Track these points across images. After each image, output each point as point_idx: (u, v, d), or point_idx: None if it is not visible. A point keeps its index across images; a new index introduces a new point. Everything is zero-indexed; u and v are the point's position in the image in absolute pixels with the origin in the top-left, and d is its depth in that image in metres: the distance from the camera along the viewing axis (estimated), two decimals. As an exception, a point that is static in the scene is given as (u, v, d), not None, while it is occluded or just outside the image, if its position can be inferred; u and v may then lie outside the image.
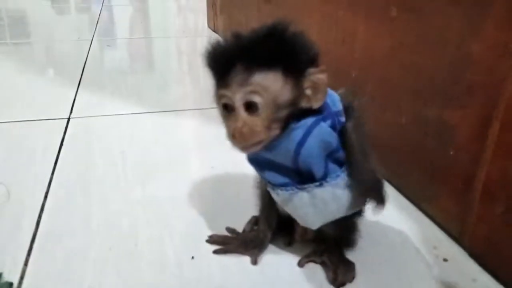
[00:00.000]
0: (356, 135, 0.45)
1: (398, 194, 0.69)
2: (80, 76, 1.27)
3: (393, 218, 0.63)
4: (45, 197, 0.67)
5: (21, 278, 0.51)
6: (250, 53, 0.41)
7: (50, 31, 2.06)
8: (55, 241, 0.57)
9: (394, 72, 0.68)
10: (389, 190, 0.68)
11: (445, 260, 0.56)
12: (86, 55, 1.50)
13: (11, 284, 0.49)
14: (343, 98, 0.46)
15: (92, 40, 1.73)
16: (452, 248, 0.58)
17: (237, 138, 0.42)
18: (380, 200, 0.48)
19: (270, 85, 0.41)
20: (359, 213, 0.52)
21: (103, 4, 2.67)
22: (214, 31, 1.91)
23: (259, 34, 0.42)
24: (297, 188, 0.47)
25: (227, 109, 0.43)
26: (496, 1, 0.49)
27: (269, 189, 0.50)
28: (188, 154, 0.85)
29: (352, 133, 0.45)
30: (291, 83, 0.41)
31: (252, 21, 1.41)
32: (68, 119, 0.96)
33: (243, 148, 0.43)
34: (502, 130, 0.49)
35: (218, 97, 0.44)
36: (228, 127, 0.43)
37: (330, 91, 0.45)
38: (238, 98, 0.41)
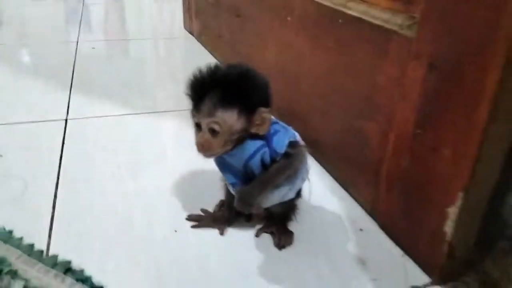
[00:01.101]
0: (273, 170, 0.64)
1: (333, 181, 0.90)
2: (71, 78, 1.42)
3: (327, 198, 0.84)
4: (56, 187, 0.85)
5: (47, 250, 0.69)
6: (216, 93, 0.59)
7: (35, 31, 2.18)
8: (68, 222, 0.75)
9: (330, 90, 0.88)
10: (326, 178, 0.89)
11: (361, 229, 0.77)
12: (74, 57, 1.65)
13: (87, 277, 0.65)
14: (291, 145, 0.65)
15: (77, 42, 1.87)
16: (367, 221, 0.79)
17: (200, 149, 0.61)
18: (241, 208, 0.65)
19: (227, 119, 0.59)
20: (297, 196, 0.72)
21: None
22: (190, 33, 2.06)
23: (226, 77, 0.60)
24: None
25: (197, 126, 0.62)
26: (390, 48, 0.69)
27: (227, 183, 0.70)
28: (170, 151, 1.03)
29: (273, 167, 0.64)
30: (244, 117, 0.60)
31: (224, 29, 1.58)
32: (66, 120, 1.13)
33: (204, 156, 0.62)
34: (397, 138, 0.70)
35: (192, 115, 0.62)
36: (196, 138, 0.62)
37: (286, 136, 0.65)
38: (204, 123, 0.60)
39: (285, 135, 0.66)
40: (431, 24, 0.60)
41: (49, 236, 0.72)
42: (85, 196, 0.83)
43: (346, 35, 0.81)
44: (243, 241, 0.73)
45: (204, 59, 1.68)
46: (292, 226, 0.75)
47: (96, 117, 1.16)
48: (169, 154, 1.01)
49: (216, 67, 0.62)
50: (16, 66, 1.59)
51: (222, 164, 0.68)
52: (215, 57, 1.71)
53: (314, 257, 0.70)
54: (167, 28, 2.32)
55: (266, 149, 0.64)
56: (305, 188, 0.74)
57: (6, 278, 0.58)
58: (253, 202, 0.65)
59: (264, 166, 0.65)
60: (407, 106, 0.66)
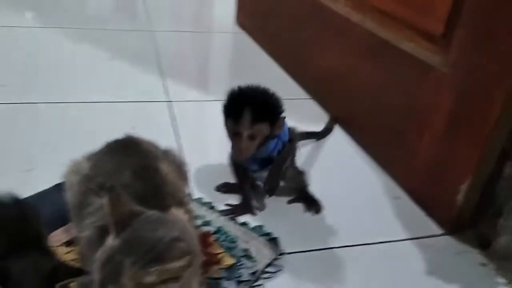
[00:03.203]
0: (284, 154, 0.97)
1: (373, 161, 1.25)
2: (158, 64, 1.75)
3: (369, 176, 1.19)
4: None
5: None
6: (251, 110, 0.86)
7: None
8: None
9: (379, 98, 1.22)
10: (367, 159, 1.23)
11: (396, 198, 1.11)
12: (155, 45, 1.97)
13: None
14: (290, 132, 0.98)
15: (150, 30, 2.18)
16: (401, 192, 1.13)
17: (239, 153, 0.90)
18: (270, 189, 1.00)
19: (261, 128, 0.88)
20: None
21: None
22: (242, 28, 2.34)
23: (255, 97, 0.88)
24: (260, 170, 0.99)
25: (235, 135, 0.89)
26: (430, 76, 1.02)
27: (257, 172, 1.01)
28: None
29: (283, 152, 0.97)
30: (270, 127, 0.89)
31: (282, 29, 1.89)
32: (169, 102, 1.46)
33: (243, 158, 0.92)
34: (430, 137, 1.04)
35: (232, 127, 0.89)
36: (235, 145, 0.90)
37: (286, 128, 0.95)
38: (245, 133, 0.87)
39: (285, 127, 0.95)
40: (461, 65, 0.94)
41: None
42: (206, 162, 1.15)
43: (396, 61, 1.14)
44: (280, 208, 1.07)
45: (256, 55, 2.00)
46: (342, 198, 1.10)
47: (191, 101, 1.49)
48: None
49: (243, 89, 0.90)
50: (102, 50, 1.87)
51: (248, 161, 0.95)
52: (267, 54, 2.00)
53: (360, 215, 1.05)
54: (219, 22, 2.60)
55: (279, 143, 0.95)
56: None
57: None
58: (278, 183, 0.99)
59: (278, 152, 0.96)
60: (440, 116, 1.00)
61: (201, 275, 0.75)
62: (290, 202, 1.03)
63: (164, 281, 0.58)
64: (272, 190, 1.00)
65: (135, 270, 0.57)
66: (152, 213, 0.64)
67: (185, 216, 0.71)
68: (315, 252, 0.93)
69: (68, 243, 0.83)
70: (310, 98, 1.62)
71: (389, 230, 1.02)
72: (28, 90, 1.45)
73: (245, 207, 0.99)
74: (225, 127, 0.92)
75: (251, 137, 0.88)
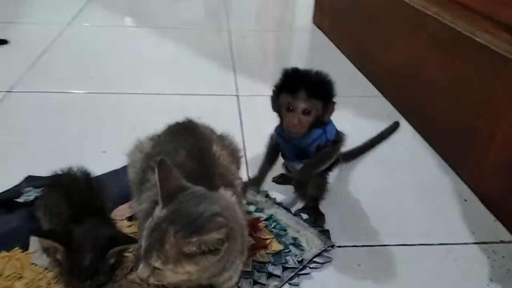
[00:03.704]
0: (324, 152, 0.92)
1: (442, 161, 1.19)
2: (231, 61, 1.81)
3: (437, 175, 1.13)
4: (244, 149, 1.20)
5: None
6: (310, 86, 0.85)
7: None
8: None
9: (449, 92, 1.16)
10: (437, 159, 1.17)
11: (465, 200, 1.05)
12: (229, 43, 2.05)
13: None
14: (338, 134, 0.93)
15: (228, 30, 2.27)
16: (470, 194, 1.06)
17: (293, 127, 0.85)
18: (298, 183, 0.95)
19: (316, 105, 0.85)
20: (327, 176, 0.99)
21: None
22: (319, 27, 2.35)
23: (316, 76, 0.86)
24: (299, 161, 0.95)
25: (289, 110, 0.85)
26: (505, 70, 0.95)
27: (286, 160, 0.98)
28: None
29: (323, 150, 0.92)
30: (323, 106, 0.86)
31: (355, 29, 1.87)
32: (237, 96, 1.51)
33: (293, 133, 0.87)
34: (503, 135, 0.96)
35: (286, 101, 0.85)
36: (288, 119, 0.85)
37: (334, 127, 0.93)
38: (300, 107, 0.84)
39: (334, 126, 0.94)
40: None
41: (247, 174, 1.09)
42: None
43: (471, 54, 1.07)
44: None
45: (330, 53, 1.99)
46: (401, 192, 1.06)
47: (259, 95, 1.53)
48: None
49: (298, 69, 0.88)
50: (183, 46, 1.99)
51: (288, 145, 0.94)
52: (341, 52, 1.99)
53: (423, 215, 1.00)
54: (296, 21, 2.64)
55: (323, 137, 0.90)
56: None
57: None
58: (310, 174, 0.94)
59: (317, 148, 0.91)
60: (514, 114, 0.93)
61: (247, 257, 0.77)
62: (298, 212, 0.97)
63: (203, 253, 0.61)
64: (300, 185, 0.96)
65: (177, 239, 0.60)
66: (198, 189, 0.67)
67: (233, 198, 0.74)
68: (369, 247, 0.91)
69: (131, 218, 0.90)
70: (381, 96, 1.58)
71: (452, 232, 0.96)
72: (111, 82, 1.58)
73: (254, 182, 1.00)
74: (274, 104, 0.90)
75: (306, 112, 0.86)
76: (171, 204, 0.64)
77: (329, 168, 0.98)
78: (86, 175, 0.84)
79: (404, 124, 1.38)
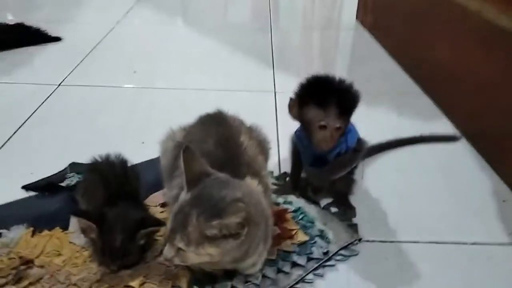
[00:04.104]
0: (343, 160, 0.89)
1: (482, 160, 1.15)
2: (271, 58, 1.83)
3: (476, 174, 1.10)
4: (278, 145, 1.22)
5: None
6: (339, 102, 0.80)
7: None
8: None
9: (496, 90, 1.11)
10: (477, 158, 1.12)
11: (504, 200, 1.01)
12: (270, 40, 2.06)
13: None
14: (359, 142, 0.90)
15: (271, 28, 2.28)
16: (510, 194, 1.02)
17: (325, 144, 0.82)
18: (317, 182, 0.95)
19: (345, 122, 0.82)
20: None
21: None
22: (362, 25, 2.32)
23: (342, 90, 0.81)
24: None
25: (320, 128, 0.81)
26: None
27: (308, 167, 0.95)
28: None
29: (342, 157, 0.89)
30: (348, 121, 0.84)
31: (400, 27, 1.83)
32: (275, 92, 1.53)
33: (324, 149, 0.84)
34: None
35: (317, 118, 0.80)
36: (321, 138, 0.82)
37: (356, 133, 0.90)
38: (332, 125, 0.80)
39: (355, 134, 0.91)
40: None
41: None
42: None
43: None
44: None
45: (373, 51, 1.96)
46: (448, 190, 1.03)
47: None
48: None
49: (331, 78, 0.83)
50: (224, 44, 2.03)
51: (307, 151, 0.92)
52: (384, 50, 1.95)
53: (458, 213, 0.98)
54: (340, 19, 2.61)
55: (343, 145, 0.87)
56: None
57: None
58: (326, 180, 0.94)
59: (337, 155, 0.89)
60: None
61: (272, 246, 0.79)
62: (327, 206, 0.96)
63: (224, 236, 0.64)
64: (320, 179, 0.97)
65: (199, 222, 0.63)
66: (222, 175, 0.69)
67: (259, 187, 0.75)
68: (397, 243, 0.89)
69: (164, 205, 0.94)
70: (423, 93, 1.54)
71: (488, 232, 0.93)
72: (153, 77, 1.64)
73: (288, 189, 1.00)
74: (296, 112, 0.86)
75: (337, 130, 0.82)
76: (195, 189, 0.67)
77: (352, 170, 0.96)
78: (122, 161, 0.89)
79: (445, 122, 1.34)
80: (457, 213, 0.98)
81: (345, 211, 0.95)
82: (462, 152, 1.20)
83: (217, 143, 0.80)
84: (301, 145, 0.93)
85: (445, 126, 1.32)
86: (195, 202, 0.65)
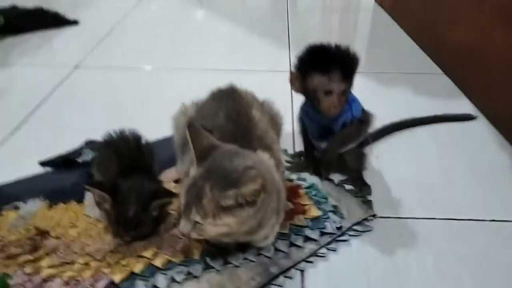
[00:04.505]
0: (349, 131, 0.88)
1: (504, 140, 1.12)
2: (287, 39, 1.82)
3: (498, 153, 1.07)
4: (292, 124, 1.20)
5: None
6: (343, 66, 0.81)
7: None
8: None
9: None
10: (498, 137, 1.10)
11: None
12: (287, 22, 2.04)
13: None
14: (364, 114, 0.89)
15: (287, 9, 2.26)
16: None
17: (333, 108, 0.82)
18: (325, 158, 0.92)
19: (348, 85, 0.82)
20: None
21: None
22: (380, 6, 2.28)
23: (346, 56, 0.82)
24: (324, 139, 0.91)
25: (326, 94, 0.82)
26: None
27: (316, 141, 0.94)
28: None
29: (348, 127, 0.88)
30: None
31: (418, 6, 1.78)
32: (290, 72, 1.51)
33: (332, 114, 0.84)
34: None
35: (322, 83, 0.81)
36: (328, 103, 0.82)
37: (360, 104, 0.89)
38: (337, 88, 0.81)
39: (359, 104, 0.89)
40: None
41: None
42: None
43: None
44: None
45: (392, 32, 1.93)
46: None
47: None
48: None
49: (326, 45, 0.84)
50: (241, 27, 2.02)
51: (313, 124, 0.91)
52: (403, 30, 1.92)
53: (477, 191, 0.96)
54: (360, 2, 2.57)
55: (348, 114, 0.86)
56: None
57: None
58: (334, 154, 0.92)
59: (343, 125, 0.88)
60: None
61: (284, 220, 0.79)
62: (341, 182, 0.95)
63: (240, 205, 0.63)
64: (328, 154, 0.94)
65: (214, 193, 0.63)
66: (230, 146, 0.69)
67: (271, 160, 0.75)
68: (413, 219, 0.88)
69: (177, 181, 0.94)
70: (442, 73, 1.51)
71: (507, 209, 0.90)
72: (168, 58, 1.65)
73: (304, 167, 0.98)
74: (299, 84, 0.87)
75: (343, 93, 0.83)
76: (205, 162, 0.67)
77: (361, 144, 0.95)
78: (136, 136, 0.89)
79: (464, 101, 1.31)
80: (475, 190, 0.96)
81: (360, 188, 0.94)
82: (481, 131, 1.17)
83: (229, 117, 0.79)
84: (307, 118, 0.93)
85: (465, 106, 1.29)
86: (207, 174, 0.65)
